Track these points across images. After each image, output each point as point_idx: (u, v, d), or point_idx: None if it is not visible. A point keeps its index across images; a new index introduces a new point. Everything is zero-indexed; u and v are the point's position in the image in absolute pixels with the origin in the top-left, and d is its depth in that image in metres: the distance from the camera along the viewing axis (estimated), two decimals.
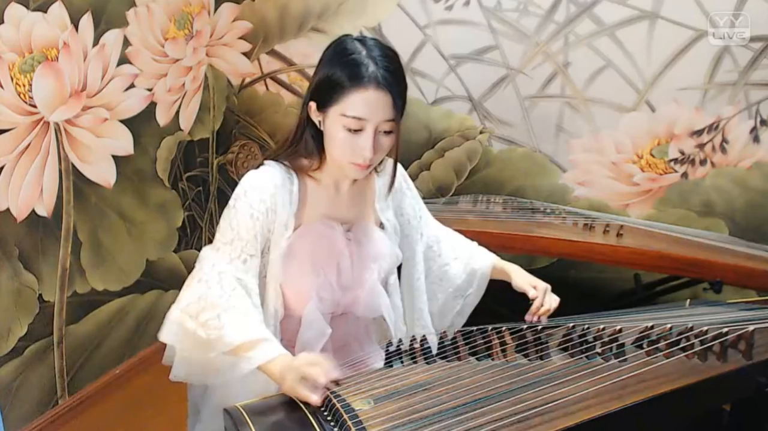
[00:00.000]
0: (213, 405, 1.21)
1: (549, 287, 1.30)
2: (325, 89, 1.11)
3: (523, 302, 1.30)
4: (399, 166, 1.33)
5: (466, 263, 1.40)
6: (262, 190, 1.14)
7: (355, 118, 1.08)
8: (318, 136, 1.17)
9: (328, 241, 1.20)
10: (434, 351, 1.14)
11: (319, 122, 1.15)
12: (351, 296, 1.22)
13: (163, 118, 2.34)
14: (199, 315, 1.08)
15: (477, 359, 1.12)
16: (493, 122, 2.31)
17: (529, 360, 1.12)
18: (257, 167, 1.19)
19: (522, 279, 1.32)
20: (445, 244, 1.41)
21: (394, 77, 1.10)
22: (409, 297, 1.36)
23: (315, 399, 0.96)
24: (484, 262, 1.39)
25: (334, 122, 1.11)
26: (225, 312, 1.07)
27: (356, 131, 1.09)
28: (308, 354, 1.03)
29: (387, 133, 1.12)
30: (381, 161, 1.26)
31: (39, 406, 2.00)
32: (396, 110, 1.11)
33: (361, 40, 1.13)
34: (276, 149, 1.22)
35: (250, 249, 1.13)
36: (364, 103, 1.07)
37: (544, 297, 1.27)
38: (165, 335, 1.13)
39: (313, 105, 1.14)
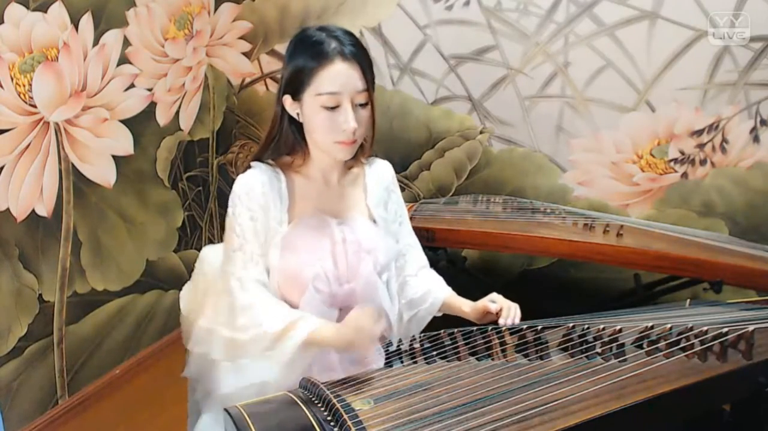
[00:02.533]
0: (213, 405, 1.21)
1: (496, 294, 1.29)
2: (296, 78, 1.14)
3: (523, 303, 1.30)
4: (390, 166, 1.37)
5: (425, 281, 1.39)
6: (254, 190, 1.18)
7: (329, 94, 1.11)
8: (298, 130, 1.20)
9: (321, 232, 1.21)
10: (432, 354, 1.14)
11: (298, 114, 1.17)
12: (348, 289, 1.22)
13: (163, 118, 2.34)
14: (234, 323, 1.13)
15: (477, 359, 1.12)
16: (493, 122, 2.31)
17: (529, 360, 1.12)
18: (245, 170, 1.22)
19: (476, 304, 1.29)
20: (411, 256, 1.41)
21: (358, 50, 1.14)
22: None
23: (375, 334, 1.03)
24: (440, 288, 1.38)
25: (310, 106, 1.14)
26: (256, 310, 1.12)
27: (333, 107, 1.12)
28: (359, 309, 1.09)
29: (363, 105, 1.15)
30: (370, 153, 1.28)
31: (39, 406, 2.00)
32: (367, 80, 1.14)
33: (320, 27, 1.17)
34: (258, 150, 1.24)
35: (258, 250, 1.17)
36: (334, 78, 1.11)
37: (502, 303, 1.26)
38: (193, 344, 1.21)
39: (288, 99, 1.17)
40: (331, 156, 1.19)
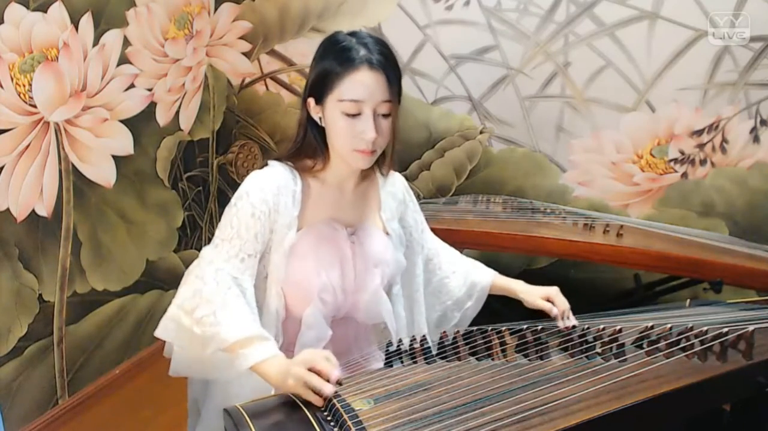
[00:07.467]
0: (213, 405, 1.20)
1: (557, 289, 1.31)
2: (320, 81, 1.12)
3: (522, 303, 1.30)
4: (402, 177, 1.35)
5: (466, 276, 1.40)
6: (265, 190, 1.14)
7: (351, 101, 1.09)
8: (321, 135, 1.18)
9: (332, 242, 1.19)
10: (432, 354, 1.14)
11: (320, 118, 1.15)
12: (353, 301, 1.21)
13: (163, 118, 2.34)
14: (195, 312, 1.08)
15: (477, 359, 1.12)
16: (493, 122, 2.31)
17: (529, 360, 1.11)
18: (261, 167, 1.19)
19: (532, 297, 1.31)
20: (444, 257, 1.42)
21: (386, 59, 1.11)
22: (408, 309, 1.35)
23: (327, 391, 0.94)
24: (484, 277, 1.40)
25: (332, 111, 1.12)
26: (221, 309, 1.07)
27: (355, 115, 1.10)
28: (311, 350, 1.02)
29: (385, 116, 1.13)
30: (387, 166, 1.26)
31: (39, 406, 2.00)
32: (392, 91, 1.12)
33: (351, 32, 1.15)
34: (280, 152, 1.22)
35: (249, 249, 1.13)
36: (358, 85, 1.09)
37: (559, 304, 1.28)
38: (161, 331, 1.13)
39: (311, 102, 1.15)
40: (350, 164, 1.17)
